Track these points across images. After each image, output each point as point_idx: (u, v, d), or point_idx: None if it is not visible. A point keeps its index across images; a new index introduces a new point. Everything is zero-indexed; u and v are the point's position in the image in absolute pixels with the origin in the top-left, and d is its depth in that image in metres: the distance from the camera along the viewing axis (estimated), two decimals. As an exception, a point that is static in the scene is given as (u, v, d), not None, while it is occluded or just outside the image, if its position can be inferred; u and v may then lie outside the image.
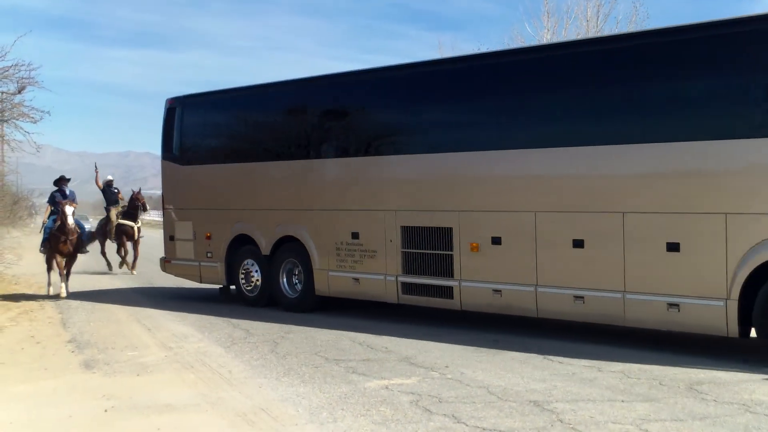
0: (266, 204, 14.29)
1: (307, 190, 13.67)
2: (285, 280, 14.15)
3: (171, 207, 16.15)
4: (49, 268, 16.95)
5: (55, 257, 16.64)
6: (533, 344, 10.41)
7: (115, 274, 21.99)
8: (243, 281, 14.83)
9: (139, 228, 22.50)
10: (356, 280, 12.92)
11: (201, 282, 15.70)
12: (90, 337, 11.61)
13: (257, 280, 14.61)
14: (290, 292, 14.11)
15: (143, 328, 12.29)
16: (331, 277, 13.29)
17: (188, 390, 8.27)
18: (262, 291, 14.55)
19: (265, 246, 14.26)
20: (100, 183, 23.28)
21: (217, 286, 15.81)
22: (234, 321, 12.78)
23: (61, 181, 17.57)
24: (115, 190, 23.22)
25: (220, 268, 15.05)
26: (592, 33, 31.92)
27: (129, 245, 22.46)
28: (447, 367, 9.09)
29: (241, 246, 14.78)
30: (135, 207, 22.29)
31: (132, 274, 21.69)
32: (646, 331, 11.41)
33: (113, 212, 22.44)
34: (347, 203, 13.07)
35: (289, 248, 13.98)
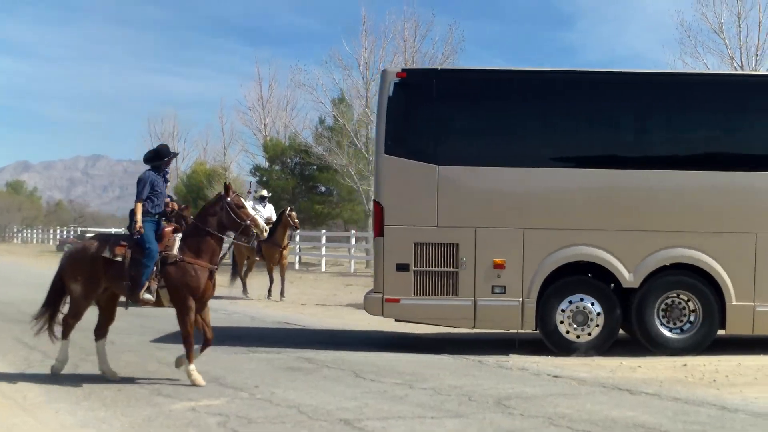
0: (634, 224, 11.33)
1: (720, 206, 11.33)
2: (658, 319, 11.32)
3: (405, 224, 11.58)
4: (103, 321, 9.76)
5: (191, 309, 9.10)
6: (347, 363, 10.36)
7: (252, 299, 19.66)
8: (569, 323, 11.35)
9: (285, 249, 19.74)
10: None
11: (473, 327, 11.63)
12: None
13: (598, 319, 11.33)
14: (664, 333, 11.32)
15: (-74, 352, 11.29)
16: (761, 314, 11.14)
17: (-26, 417, 7.60)
18: (605, 334, 11.33)
19: (631, 276, 11.27)
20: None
21: (491, 330, 12.37)
22: (31, 343, 11.88)
23: (166, 158, 9.64)
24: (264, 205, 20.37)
25: (524, 306, 11.35)
26: (409, 53, 32.78)
27: (275, 271, 20.01)
28: (257, 387, 8.85)
29: (553, 279, 11.50)
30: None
31: (281, 301, 19.36)
32: (460, 348, 11.66)
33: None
34: None
35: (670, 278, 11.33)
